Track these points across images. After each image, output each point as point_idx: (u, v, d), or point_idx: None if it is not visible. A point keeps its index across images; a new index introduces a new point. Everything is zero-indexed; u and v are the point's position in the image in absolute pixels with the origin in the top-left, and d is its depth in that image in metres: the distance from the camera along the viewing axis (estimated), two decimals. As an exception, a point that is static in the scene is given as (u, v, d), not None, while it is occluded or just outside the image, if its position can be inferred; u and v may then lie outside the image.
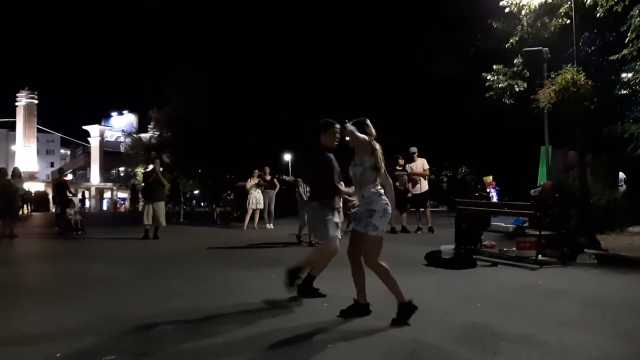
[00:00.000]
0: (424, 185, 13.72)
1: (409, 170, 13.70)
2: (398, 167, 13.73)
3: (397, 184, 13.57)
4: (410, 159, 13.79)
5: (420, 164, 13.69)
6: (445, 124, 30.13)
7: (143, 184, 13.73)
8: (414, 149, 13.78)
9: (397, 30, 32.23)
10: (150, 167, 13.85)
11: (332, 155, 5.73)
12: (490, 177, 21.31)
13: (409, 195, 13.66)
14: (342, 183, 6.14)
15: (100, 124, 70.06)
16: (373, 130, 4.80)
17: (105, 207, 61.97)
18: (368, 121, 4.83)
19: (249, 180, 16.10)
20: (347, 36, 31.53)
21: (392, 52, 32.53)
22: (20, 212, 15.25)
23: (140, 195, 26.32)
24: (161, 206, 12.84)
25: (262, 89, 29.12)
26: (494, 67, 13.93)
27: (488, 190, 24.78)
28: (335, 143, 5.66)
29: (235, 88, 30.00)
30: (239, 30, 32.03)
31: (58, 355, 3.83)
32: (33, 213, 33.97)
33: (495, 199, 24.87)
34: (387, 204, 4.67)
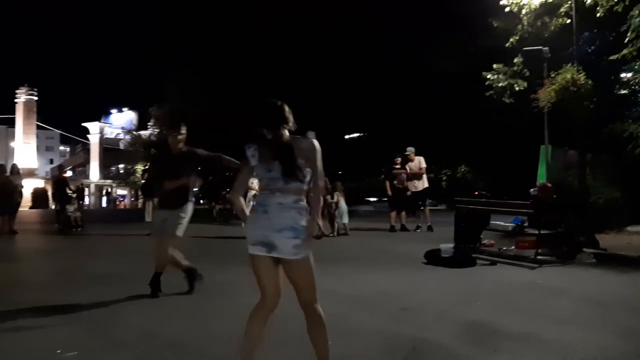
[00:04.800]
0: (422, 184, 13.75)
1: (408, 170, 13.74)
2: (395, 166, 13.82)
3: (395, 182, 13.65)
4: (408, 159, 13.82)
5: (417, 163, 13.73)
6: (444, 123, 30.19)
7: (143, 181, 13.72)
8: (410, 149, 13.82)
9: (397, 29, 32.28)
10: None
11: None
12: None
13: (408, 193, 13.73)
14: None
15: (100, 121, 69.74)
16: None
17: (104, 204, 62.05)
18: None
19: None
20: (347, 34, 31.55)
21: (392, 51, 32.58)
22: None
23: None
24: None
25: (263, 85, 29.09)
26: (494, 66, 13.91)
27: None
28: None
29: (236, 84, 29.98)
30: (240, 28, 32.00)
31: (59, 351, 3.84)
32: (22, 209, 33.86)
33: None
34: None
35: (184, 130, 5.87)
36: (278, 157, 3.13)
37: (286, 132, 3.22)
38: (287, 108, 3.27)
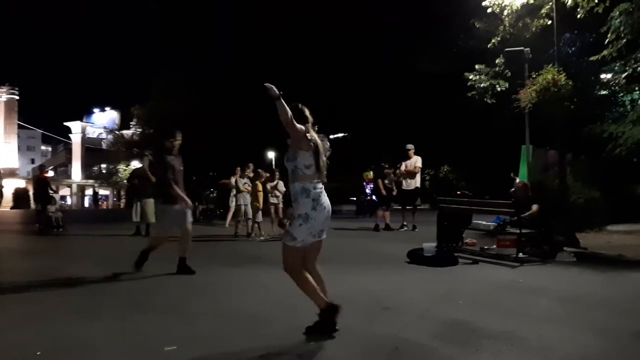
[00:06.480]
0: (414, 182, 13.68)
1: (404, 167, 13.75)
2: (384, 165, 13.96)
3: (386, 181, 13.72)
4: (405, 156, 13.82)
5: (414, 161, 13.71)
6: (427, 123, 30.30)
7: (136, 181, 13.41)
8: (409, 146, 13.81)
9: (379, 29, 32.37)
10: (139, 164, 13.76)
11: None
12: (371, 173, 20.91)
13: (394, 192, 13.78)
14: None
15: (82, 121, 68.96)
16: None
17: (87, 204, 61.54)
18: None
19: (232, 177, 16.08)
20: (333, 34, 31.59)
21: (374, 51, 32.66)
22: None
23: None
24: (150, 203, 12.76)
25: (246, 85, 29.03)
26: (476, 66, 14.00)
27: (367, 186, 25.14)
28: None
29: (218, 84, 29.89)
30: (224, 27, 31.87)
31: (38, 353, 3.80)
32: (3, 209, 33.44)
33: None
34: None
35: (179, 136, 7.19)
36: (321, 151, 4.13)
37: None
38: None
